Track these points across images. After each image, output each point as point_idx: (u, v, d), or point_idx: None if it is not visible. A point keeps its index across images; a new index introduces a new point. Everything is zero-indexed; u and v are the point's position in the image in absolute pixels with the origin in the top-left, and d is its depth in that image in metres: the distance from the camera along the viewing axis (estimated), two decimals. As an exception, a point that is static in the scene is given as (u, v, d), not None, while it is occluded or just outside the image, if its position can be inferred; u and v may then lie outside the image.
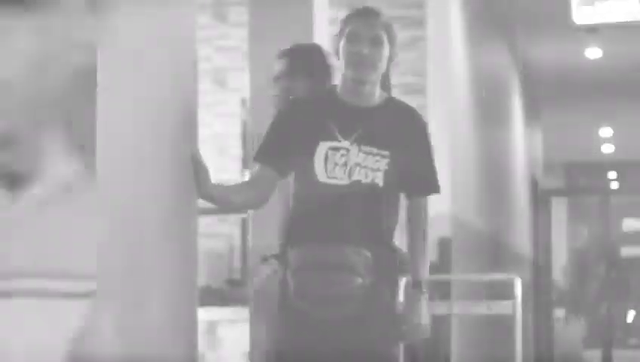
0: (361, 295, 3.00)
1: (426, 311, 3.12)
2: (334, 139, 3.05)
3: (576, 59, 11.09)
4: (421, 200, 3.15)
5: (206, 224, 6.76)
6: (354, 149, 3.04)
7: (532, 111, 13.43)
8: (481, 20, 9.16)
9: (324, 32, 4.77)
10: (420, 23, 7.88)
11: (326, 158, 3.04)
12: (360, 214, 3.03)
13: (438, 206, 7.69)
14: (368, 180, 3.03)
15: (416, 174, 3.12)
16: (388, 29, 3.11)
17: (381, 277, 3.03)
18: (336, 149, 3.04)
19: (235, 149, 7.44)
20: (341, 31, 3.11)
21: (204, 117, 6.67)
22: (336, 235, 3.01)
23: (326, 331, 3.01)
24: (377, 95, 3.13)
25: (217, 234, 7.65)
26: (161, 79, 2.89)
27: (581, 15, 9.08)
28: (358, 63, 3.05)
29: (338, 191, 3.01)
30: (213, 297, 5.86)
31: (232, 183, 3.33)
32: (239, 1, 7.87)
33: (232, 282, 6.52)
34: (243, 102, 7.41)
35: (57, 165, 1.05)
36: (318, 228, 3.01)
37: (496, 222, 10.21)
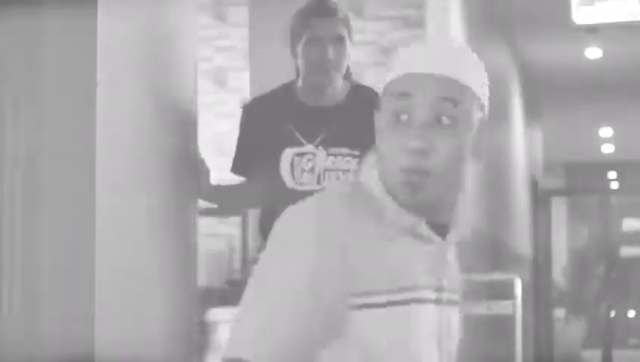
0: None
1: None
2: (298, 144, 2.96)
3: (576, 59, 11.08)
4: None
5: (206, 224, 6.76)
6: (321, 153, 2.95)
7: (532, 112, 13.43)
8: (481, 20, 9.16)
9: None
10: (420, 23, 7.88)
11: (292, 165, 2.96)
12: None
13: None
14: None
15: None
16: (346, 24, 2.98)
17: None
18: (301, 155, 2.95)
19: (235, 149, 7.43)
20: (298, 31, 2.97)
21: (204, 117, 6.66)
22: None
23: None
24: (340, 89, 3.03)
25: (217, 234, 7.64)
26: (161, 79, 2.89)
27: (581, 15, 9.07)
28: (323, 69, 2.93)
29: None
30: (213, 297, 5.85)
31: (234, 183, 3.31)
32: (239, 1, 7.87)
33: (232, 282, 6.51)
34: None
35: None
36: None
37: (496, 222, 10.21)
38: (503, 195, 10.90)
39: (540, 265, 13.86)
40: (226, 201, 3.22)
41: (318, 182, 2.92)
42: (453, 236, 1.83)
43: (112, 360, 2.49)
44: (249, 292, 1.76)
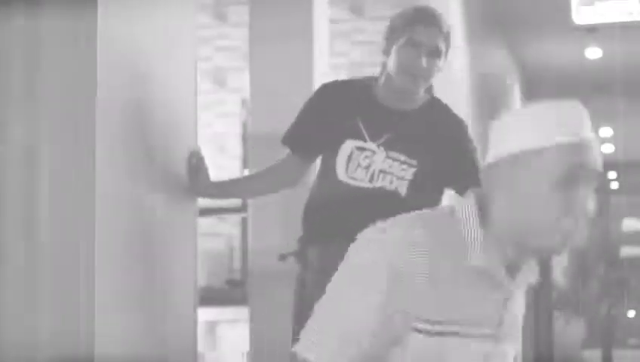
0: None
1: None
2: (361, 138, 2.94)
3: (576, 59, 11.08)
4: None
5: (206, 224, 6.75)
6: (380, 153, 2.92)
7: (532, 111, 13.40)
8: (481, 20, 9.16)
9: (324, 31, 4.77)
10: (419, 23, 7.85)
11: (350, 157, 2.93)
12: (377, 220, 2.95)
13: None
14: (392, 188, 2.93)
15: (465, 178, 2.93)
16: (447, 39, 2.97)
17: None
18: (361, 149, 2.92)
19: (235, 149, 7.45)
20: (398, 31, 2.95)
21: (204, 117, 6.67)
22: (354, 236, 2.93)
23: None
24: (418, 98, 3.01)
25: (217, 234, 7.64)
26: (161, 79, 2.89)
27: (581, 15, 9.08)
28: (413, 75, 2.90)
29: (356, 193, 2.91)
30: (213, 297, 5.85)
31: (235, 177, 3.27)
32: (239, 1, 7.87)
33: (232, 282, 6.51)
34: (243, 102, 7.41)
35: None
36: (336, 227, 2.89)
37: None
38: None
39: (540, 265, 13.84)
40: (228, 195, 3.21)
41: (370, 181, 2.90)
42: (523, 278, 1.97)
43: (112, 360, 2.49)
44: (329, 300, 1.93)
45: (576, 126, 1.94)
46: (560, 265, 16.44)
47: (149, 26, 2.82)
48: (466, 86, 8.25)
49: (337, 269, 2.97)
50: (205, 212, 5.32)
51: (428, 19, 2.94)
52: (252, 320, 4.56)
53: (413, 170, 2.93)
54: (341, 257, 2.90)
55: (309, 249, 2.99)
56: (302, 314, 2.92)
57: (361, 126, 2.94)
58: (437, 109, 3.04)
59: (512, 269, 1.93)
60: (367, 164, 2.92)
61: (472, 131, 3.27)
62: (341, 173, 2.92)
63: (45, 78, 2.50)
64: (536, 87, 13.06)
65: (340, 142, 2.93)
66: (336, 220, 2.90)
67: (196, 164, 2.99)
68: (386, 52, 2.97)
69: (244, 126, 7.26)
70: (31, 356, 2.43)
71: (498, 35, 10.23)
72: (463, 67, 8.24)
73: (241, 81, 7.33)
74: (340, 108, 2.97)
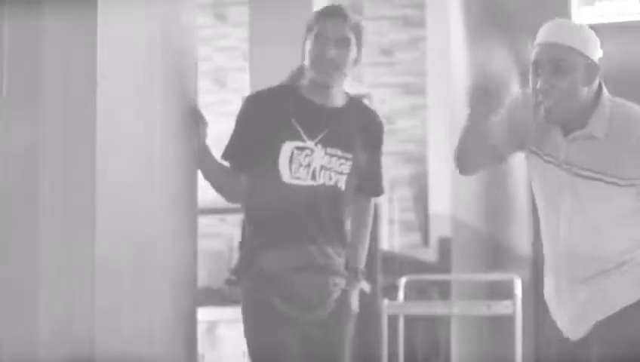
0: (336, 295, 3.02)
1: (356, 298, 3.11)
2: (299, 138, 3.01)
3: (576, 59, 11.06)
4: (370, 200, 3.17)
5: (206, 224, 6.76)
6: (319, 150, 3.00)
7: (532, 111, 13.42)
8: (481, 20, 9.18)
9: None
10: (420, 23, 7.89)
11: (291, 158, 3.00)
12: (324, 216, 3.01)
13: (438, 206, 7.69)
14: (332, 183, 3.01)
15: (370, 175, 3.10)
16: (356, 30, 3.06)
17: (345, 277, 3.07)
18: (301, 149, 3.00)
19: (235, 149, 7.44)
20: (308, 30, 3.06)
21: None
22: (305, 237, 2.98)
23: (307, 332, 2.99)
24: (342, 94, 3.10)
25: (217, 234, 7.65)
26: (161, 79, 2.89)
27: (581, 15, 9.08)
28: (323, 65, 3.00)
29: (302, 193, 2.98)
30: (213, 297, 5.85)
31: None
32: (239, 1, 7.88)
33: (232, 282, 6.51)
34: (243, 102, 7.40)
35: None
36: (289, 229, 2.97)
37: (496, 222, 10.22)
38: (503, 195, 10.91)
39: (540, 265, 13.86)
40: (202, 166, 3.20)
41: (313, 178, 2.98)
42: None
43: (112, 360, 2.49)
44: None
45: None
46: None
47: (149, 26, 2.82)
48: (465, 85, 8.25)
49: (292, 274, 3.09)
50: (205, 212, 5.32)
51: (333, 12, 3.05)
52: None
53: (349, 163, 3.03)
54: (296, 260, 2.95)
55: (259, 256, 3.03)
56: (264, 314, 2.98)
57: (297, 126, 3.00)
58: (360, 107, 3.15)
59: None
60: (307, 162, 3.00)
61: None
62: (285, 176, 2.98)
63: (45, 78, 2.50)
64: (536, 87, 13.04)
65: (280, 144, 2.99)
66: (287, 222, 2.97)
67: (195, 118, 3.07)
68: (303, 54, 3.06)
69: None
70: (31, 356, 2.43)
71: (498, 35, 10.25)
72: (463, 67, 8.25)
73: (241, 81, 7.34)
74: (273, 113, 3.03)
